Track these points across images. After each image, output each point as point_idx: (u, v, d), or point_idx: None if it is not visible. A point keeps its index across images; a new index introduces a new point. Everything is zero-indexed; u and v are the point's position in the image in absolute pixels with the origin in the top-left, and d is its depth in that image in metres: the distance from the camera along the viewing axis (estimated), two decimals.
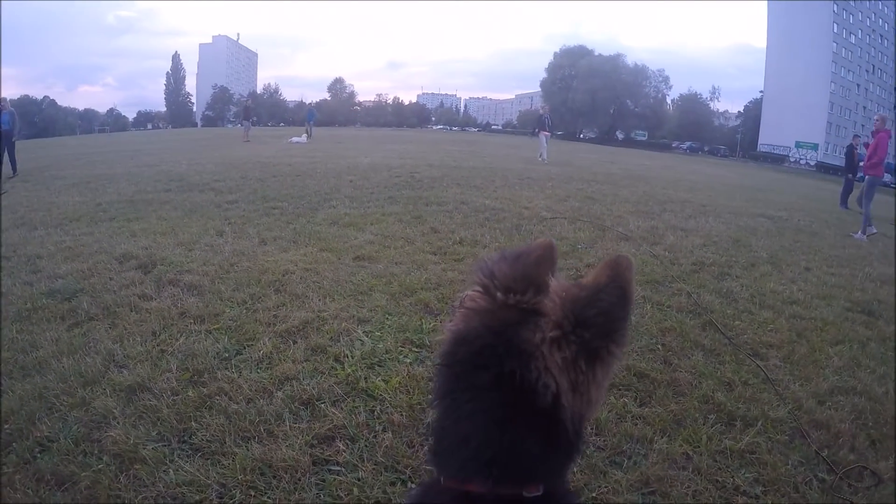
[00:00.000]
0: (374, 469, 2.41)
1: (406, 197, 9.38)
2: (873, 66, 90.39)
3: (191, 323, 3.84)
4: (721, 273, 5.95)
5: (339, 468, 2.42)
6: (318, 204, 8.43)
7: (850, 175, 17.60)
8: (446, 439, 0.88)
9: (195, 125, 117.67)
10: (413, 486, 2.24)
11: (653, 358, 3.70)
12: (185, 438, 2.58)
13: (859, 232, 10.46)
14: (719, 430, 2.92)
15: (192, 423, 2.68)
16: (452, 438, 0.86)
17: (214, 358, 3.33)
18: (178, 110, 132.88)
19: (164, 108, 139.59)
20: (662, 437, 2.80)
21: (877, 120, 11.67)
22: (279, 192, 9.50)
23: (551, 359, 0.82)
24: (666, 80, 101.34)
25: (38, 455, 2.42)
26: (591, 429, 2.82)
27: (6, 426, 2.62)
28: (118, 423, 2.64)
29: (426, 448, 0.95)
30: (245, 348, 3.51)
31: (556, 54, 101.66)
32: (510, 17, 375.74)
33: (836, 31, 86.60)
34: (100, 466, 2.34)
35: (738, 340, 4.14)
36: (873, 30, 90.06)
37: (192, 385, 3.03)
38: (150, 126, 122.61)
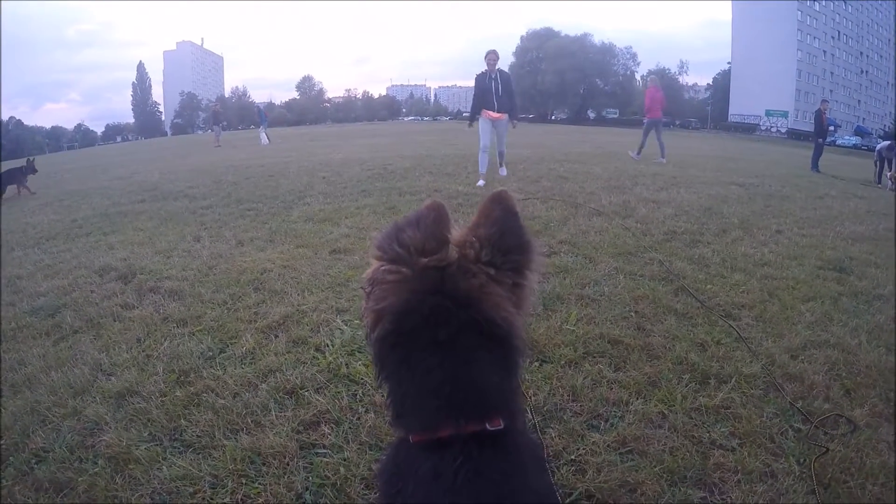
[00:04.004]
0: (358, 448, 2.49)
1: (379, 189, 9.37)
2: (839, 33, 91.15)
3: (174, 327, 3.87)
4: (692, 241, 6.05)
5: (325, 451, 2.49)
6: (292, 202, 8.42)
7: (821, 139, 17.84)
8: (410, 400, 0.96)
9: (165, 134, 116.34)
10: (382, 452, 2.32)
11: (626, 325, 3.78)
12: (176, 436, 2.64)
13: (635, 152, 15.69)
14: (693, 388, 2.99)
15: (182, 420, 2.73)
16: (418, 396, 0.94)
17: (199, 358, 3.38)
18: (146, 120, 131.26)
19: (132, 120, 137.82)
20: (638, 399, 2.88)
21: (650, 80, 17.03)
22: (253, 193, 9.46)
23: (497, 294, 0.95)
24: (634, 56, 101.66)
25: (35, 466, 2.47)
26: (568, 395, 2.92)
27: (1, 441, 2.66)
28: (110, 427, 2.69)
29: (388, 418, 1.04)
30: (228, 346, 3.55)
31: (522, 37, 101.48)
32: (477, 4, 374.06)
33: None
34: (95, 470, 2.39)
35: (711, 303, 4.22)
36: None
37: (179, 385, 3.07)
38: (119, 139, 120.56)
